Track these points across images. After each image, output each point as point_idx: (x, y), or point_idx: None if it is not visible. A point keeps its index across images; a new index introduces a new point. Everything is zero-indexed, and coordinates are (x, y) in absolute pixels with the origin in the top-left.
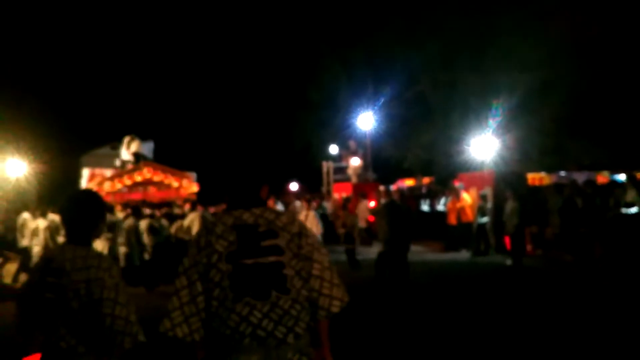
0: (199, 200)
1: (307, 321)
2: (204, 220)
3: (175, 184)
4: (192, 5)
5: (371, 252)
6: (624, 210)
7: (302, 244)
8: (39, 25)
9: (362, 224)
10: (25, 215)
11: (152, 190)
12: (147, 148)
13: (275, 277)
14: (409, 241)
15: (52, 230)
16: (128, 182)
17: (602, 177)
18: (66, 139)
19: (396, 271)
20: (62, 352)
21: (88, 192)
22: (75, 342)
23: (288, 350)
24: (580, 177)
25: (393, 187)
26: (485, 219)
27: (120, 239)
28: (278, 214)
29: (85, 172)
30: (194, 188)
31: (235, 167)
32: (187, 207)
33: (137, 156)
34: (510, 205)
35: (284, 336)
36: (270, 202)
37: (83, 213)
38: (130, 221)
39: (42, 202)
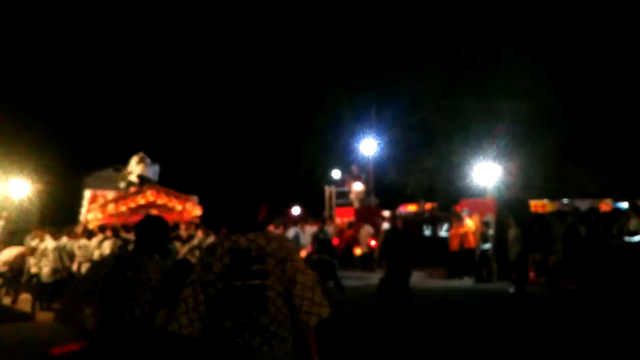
0: (203, 224)
1: (284, 335)
2: (211, 242)
3: (178, 207)
4: (200, 29)
5: (374, 277)
6: (628, 238)
7: (287, 268)
8: (44, 48)
9: (364, 249)
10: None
11: (155, 213)
12: (152, 171)
13: (257, 298)
14: (410, 268)
15: (60, 251)
16: (132, 204)
17: (605, 205)
18: (69, 160)
19: (397, 298)
20: (132, 330)
21: (158, 219)
22: (145, 325)
23: (261, 358)
24: (583, 204)
25: (401, 210)
26: (487, 246)
27: None
28: (270, 239)
29: (87, 194)
30: (197, 211)
31: (232, 196)
32: (200, 233)
33: (142, 179)
34: (512, 233)
35: (259, 345)
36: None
37: (153, 234)
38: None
39: (45, 223)
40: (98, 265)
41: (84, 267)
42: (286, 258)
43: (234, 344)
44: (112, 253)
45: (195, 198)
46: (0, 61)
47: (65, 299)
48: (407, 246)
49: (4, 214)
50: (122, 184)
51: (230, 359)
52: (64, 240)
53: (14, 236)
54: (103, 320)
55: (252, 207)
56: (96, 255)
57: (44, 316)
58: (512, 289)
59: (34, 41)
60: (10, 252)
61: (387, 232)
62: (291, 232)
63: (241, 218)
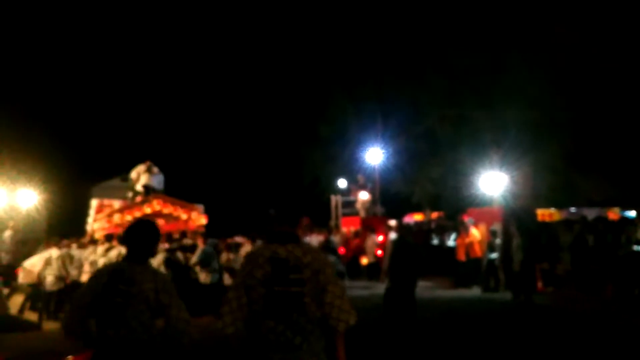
0: (208, 233)
1: (319, 335)
2: (252, 249)
3: (184, 216)
4: (206, 39)
5: (380, 287)
6: (636, 247)
7: (320, 278)
8: (52, 59)
9: (370, 258)
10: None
11: (161, 222)
12: (158, 180)
13: (296, 303)
14: (416, 278)
15: (64, 259)
16: (137, 214)
17: (613, 214)
18: (77, 170)
19: (403, 308)
20: (130, 342)
21: (148, 222)
22: (144, 336)
23: (303, 354)
24: (590, 213)
25: (407, 219)
26: (494, 255)
27: None
28: (306, 251)
29: (94, 203)
30: (203, 220)
31: (277, 214)
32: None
33: (147, 188)
34: (515, 242)
35: (300, 343)
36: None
37: (144, 238)
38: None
39: (52, 232)
40: (94, 278)
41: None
42: (320, 269)
43: (278, 342)
44: (107, 265)
45: (201, 207)
46: (10, 72)
47: (69, 314)
48: (412, 256)
49: (12, 223)
50: (130, 194)
51: (276, 355)
52: (73, 249)
53: (22, 246)
54: (100, 335)
55: (293, 220)
56: (101, 264)
57: (50, 325)
58: (511, 298)
59: (42, 53)
60: (33, 262)
61: (394, 241)
62: (305, 240)
63: (283, 232)
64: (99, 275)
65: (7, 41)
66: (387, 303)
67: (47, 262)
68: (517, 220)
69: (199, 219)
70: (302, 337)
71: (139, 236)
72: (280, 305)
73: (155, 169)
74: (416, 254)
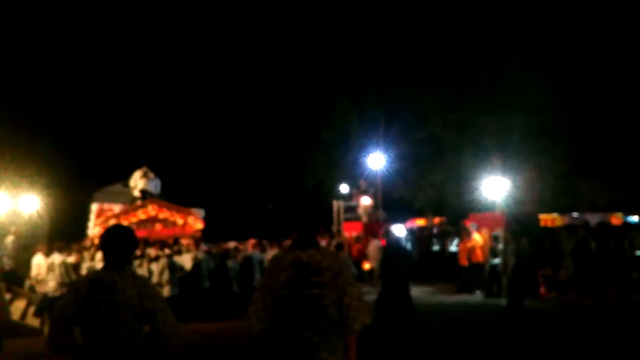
0: (205, 238)
1: (337, 334)
2: (276, 254)
3: (180, 221)
4: (207, 43)
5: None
6: (639, 252)
7: (339, 281)
8: (54, 65)
9: (372, 263)
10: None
11: (157, 227)
12: (155, 185)
13: (316, 305)
14: (406, 282)
15: (66, 265)
16: (133, 219)
17: (616, 219)
18: (79, 175)
19: (398, 312)
20: (118, 350)
21: (124, 228)
22: (132, 343)
23: (321, 351)
24: (593, 218)
25: (411, 224)
26: (497, 260)
27: None
28: (325, 256)
29: (94, 207)
30: (199, 225)
31: (300, 222)
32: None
33: (144, 193)
34: (509, 247)
35: (319, 341)
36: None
37: (120, 244)
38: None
39: (54, 238)
40: (75, 288)
41: None
42: (339, 272)
43: (298, 340)
44: (86, 275)
45: (201, 211)
46: (13, 78)
47: (53, 326)
48: (402, 261)
49: (14, 228)
50: (130, 199)
51: (296, 352)
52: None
53: (24, 251)
54: (88, 346)
55: (314, 228)
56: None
57: None
58: (504, 302)
59: (46, 59)
60: (40, 272)
61: (383, 247)
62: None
63: (304, 239)
64: (78, 285)
65: (11, 47)
66: (379, 307)
67: (50, 268)
68: (519, 225)
69: (196, 224)
70: (321, 336)
71: (115, 243)
72: (301, 307)
73: (152, 174)
74: (407, 258)
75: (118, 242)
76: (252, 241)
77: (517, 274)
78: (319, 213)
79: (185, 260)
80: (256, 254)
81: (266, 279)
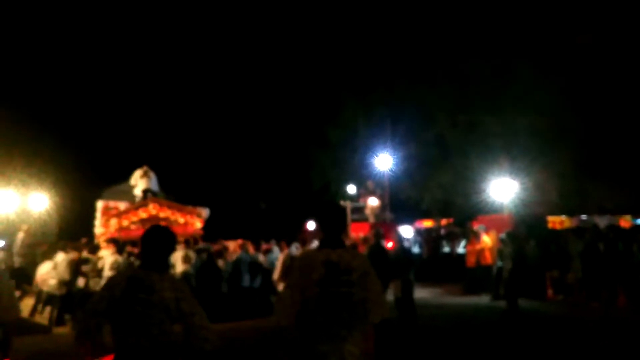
0: (206, 237)
1: (360, 327)
2: (304, 253)
3: (181, 220)
4: (214, 42)
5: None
6: None
7: (366, 279)
8: (62, 63)
9: None
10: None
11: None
12: (154, 183)
13: (345, 302)
14: (410, 282)
15: (70, 264)
16: (134, 218)
17: (625, 222)
18: (87, 173)
19: (400, 312)
20: (151, 350)
21: (163, 229)
22: (164, 344)
23: (347, 343)
24: (601, 221)
25: (418, 225)
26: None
27: None
28: (354, 256)
29: (99, 205)
30: (199, 224)
31: (328, 223)
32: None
33: (146, 192)
34: (506, 250)
35: (345, 335)
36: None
37: (160, 245)
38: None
39: (63, 236)
40: (110, 285)
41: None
42: (367, 272)
43: (327, 334)
44: (123, 272)
45: (206, 210)
46: (22, 78)
47: (82, 320)
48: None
49: (24, 227)
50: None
51: (324, 345)
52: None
53: (33, 249)
54: (120, 344)
55: (341, 228)
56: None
57: (61, 329)
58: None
59: (53, 59)
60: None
61: (370, 246)
62: (314, 245)
63: (333, 239)
64: (115, 282)
65: (21, 50)
66: None
67: (54, 267)
68: (527, 227)
69: (196, 223)
70: (347, 330)
71: (155, 244)
72: (332, 304)
73: (152, 173)
74: (385, 258)
75: (157, 243)
76: (239, 241)
77: (513, 277)
78: (343, 213)
79: (176, 259)
80: (246, 254)
81: (297, 277)
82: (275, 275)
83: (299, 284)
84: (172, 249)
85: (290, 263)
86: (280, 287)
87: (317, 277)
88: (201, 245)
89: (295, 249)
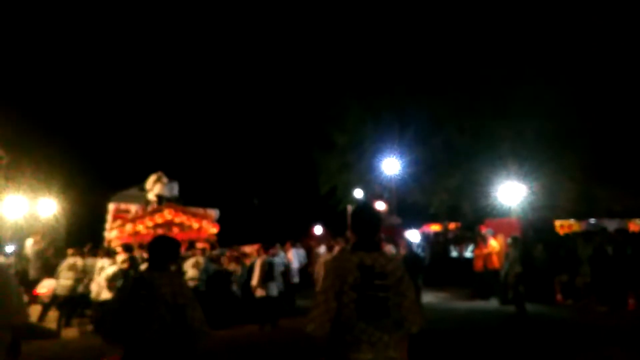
0: (220, 241)
1: (400, 332)
2: (337, 255)
3: (195, 225)
4: (223, 48)
5: None
6: None
7: (401, 285)
8: (71, 70)
9: None
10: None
11: (174, 231)
12: (171, 188)
13: (382, 307)
14: (417, 286)
15: (75, 270)
16: (150, 223)
17: (634, 225)
18: (95, 179)
19: None
20: (154, 343)
21: (167, 238)
22: (166, 338)
23: (390, 350)
24: (610, 224)
25: (426, 229)
26: None
27: None
28: (388, 260)
29: (111, 207)
30: (214, 229)
31: (361, 225)
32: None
33: (160, 198)
34: (511, 254)
35: (388, 340)
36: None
37: (162, 250)
38: None
39: (71, 241)
40: (122, 287)
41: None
42: (401, 277)
43: (370, 342)
44: (132, 275)
45: (215, 212)
46: (29, 84)
47: (107, 322)
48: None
49: (36, 237)
50: (145, 202)
51: (369, 353)
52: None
53: (42, 254)
54: (129, 339)
55: (375, 230)
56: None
57: (69, 333)
58: (512, 309)
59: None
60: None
61: (405, 255)
62: (322, 249)
63: (367, 241)
64: (126, 284)
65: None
66: None
67: (69, 269)
68: (535, 231)
69: (210, 228)
70: (389, 336)
71: (158, 249)
72: (371, 309)
73: (165, 179)
74: (420, 267)
75: (160, 249)
76: (256, 246)
77: (519, 282)
78: (378, 216)
79: (188, 266)
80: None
81: (331, 282)
82: (254, 281)
83: (334, 289)
84: (175, 254)
85: (268, 269)
86: (259, 293)
87: (353, 281)
88: (216, 251)
89: (323, 250)
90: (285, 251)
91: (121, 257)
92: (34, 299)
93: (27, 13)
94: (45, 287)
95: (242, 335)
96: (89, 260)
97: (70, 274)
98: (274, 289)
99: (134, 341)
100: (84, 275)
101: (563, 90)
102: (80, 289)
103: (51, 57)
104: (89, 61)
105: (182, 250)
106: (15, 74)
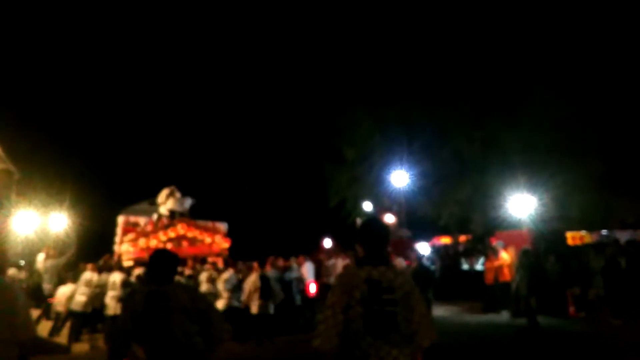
0: (231, 255)
1: (409, 346)
2: (344, 270)
3: (208, 239)
4: (233, 61)
5: None
6: None
7: (410, 299)
8: (82, 85)
9: None
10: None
11: (185, 245)
12: (184, 204)
13: (390, 322)
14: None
15: (90, 285)
16: (163, 237)
17: None
18: (106, 193)
19: None
20: (178, 350)
21: (167, 252)
22: (187, 344)
23: None
24: (623, 235)
25: (436, 242)
26: None
27: None
28: (396, 274)
29: (120, 219)
30: (225, 244)
31: (369, 239)
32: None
33: (173, 213)
34: (520, 267)
35: (397, 355)
36: (301, 260)
37: (165, 265)
38: None
39: (81, 255)
40: (130, 305)
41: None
42: (410, 291)
43: (379, 355)
44: (139, 290)
45: (224, 225)
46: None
47: (114, 342)
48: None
49: (50, 251)
50: (155, 215)
51: None
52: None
53: (54, 268)
54: (151, 352)
55: (383, 244)
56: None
57: (80, 348)
58: (524, 321)
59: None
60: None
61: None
62: (331, 262)
63: (375, 256)
64: (134, 300)
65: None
66: None
67: (85, 284)
68: (546, 243)
69: (222, 243)
70: (399, 351)
71: (161, 264)
72: (378, 323)
73: (178, 194)
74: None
75: (163, 263)
76: (269, 259)
77: (530, 295)
78: (386, 229)
79: (202, 279)
80: (274, 272)
81: (338, 296)
82: (244, 296)
83: (341, 303)
84: (174, 268)
85: (261, 284)
86: (254, 309)
87: (360, 295)
88: (239, 267)
89: (332, 263)
90: (299, 265)
91: (138, 271)
92: (48, 312)
93: (42, 30)
94: (62, 294)
95: (249, 351)
96: (104, 276)
97: (86, 290)
98: (271, 307)
99: (155, 351)
100: (100, 290)
101: (574, 101)
102: (95, 304)
103: (63, 74)
104: (100, 77)
105: (191, 264)
106: (27, 90)
